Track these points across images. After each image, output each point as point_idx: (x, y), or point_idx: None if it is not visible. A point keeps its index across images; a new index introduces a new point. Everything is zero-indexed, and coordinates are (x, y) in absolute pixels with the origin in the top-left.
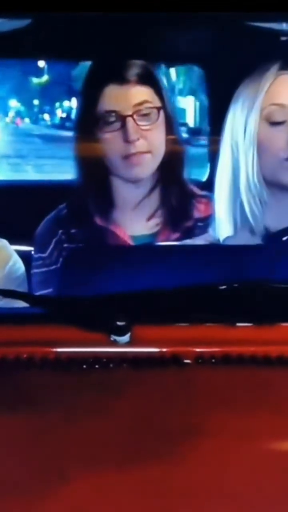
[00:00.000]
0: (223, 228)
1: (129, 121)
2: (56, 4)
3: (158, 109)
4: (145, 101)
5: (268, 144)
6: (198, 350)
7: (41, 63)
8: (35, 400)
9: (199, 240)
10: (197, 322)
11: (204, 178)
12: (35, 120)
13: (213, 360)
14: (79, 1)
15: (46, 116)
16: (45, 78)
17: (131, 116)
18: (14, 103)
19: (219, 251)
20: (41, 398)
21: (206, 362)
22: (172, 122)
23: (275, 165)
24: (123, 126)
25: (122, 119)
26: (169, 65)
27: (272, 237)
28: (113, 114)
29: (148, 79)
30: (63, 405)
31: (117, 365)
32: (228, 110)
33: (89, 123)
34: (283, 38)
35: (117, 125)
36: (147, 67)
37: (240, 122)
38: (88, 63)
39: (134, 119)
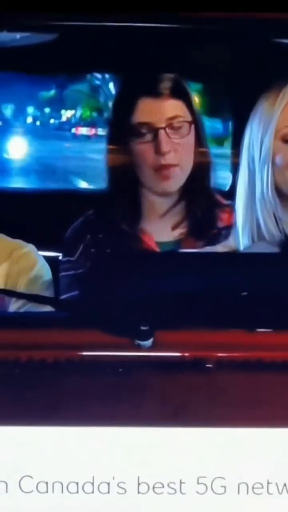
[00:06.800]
0: (241, 239)
1: (162, 133)
2: (87, 17)
3: (190, 123)
4: (178, 115)
5: (283, 162)
6: (219, 354)
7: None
8: (59, 403)
9: (221, 248)
10: (219, 328)
11: (227, 187)
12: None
13: (233, 364)
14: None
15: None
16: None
17: (164, 128)
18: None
19: (240, 259)
20: (66, 400)
21: (226, 367)
22: (201, 136)
23: None
24: (155, 138)
25: (155, 131)
26: (197, 80)
27: None
28: (146, 126)
29: (181, 93)
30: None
31: (140, 369)
32: (247, 125)
33: (122, 134)
34: None
35: (149, 137)
36: (180, 81)
37: (256, 139)
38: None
39: (166, 132)
